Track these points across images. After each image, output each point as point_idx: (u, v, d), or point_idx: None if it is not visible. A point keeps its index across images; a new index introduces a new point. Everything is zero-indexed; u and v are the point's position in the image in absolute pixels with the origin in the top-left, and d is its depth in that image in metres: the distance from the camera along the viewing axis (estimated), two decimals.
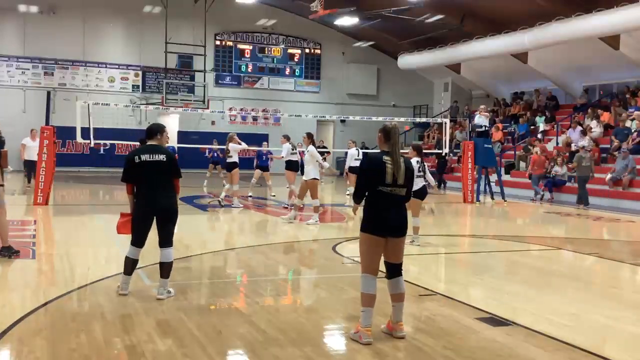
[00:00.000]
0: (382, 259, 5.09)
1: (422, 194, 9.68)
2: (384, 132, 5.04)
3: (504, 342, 5.00)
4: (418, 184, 9.60)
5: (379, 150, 5.12)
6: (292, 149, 15.09)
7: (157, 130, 6.26)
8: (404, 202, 5.08)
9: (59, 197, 16.28)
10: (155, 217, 6.09)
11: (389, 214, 4.93)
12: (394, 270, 5.08)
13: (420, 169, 9.65)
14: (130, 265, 6.10)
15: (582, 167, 17.19)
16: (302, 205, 12.36)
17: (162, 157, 6.06)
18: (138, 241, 6.10)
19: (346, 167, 16.78)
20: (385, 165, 4.91)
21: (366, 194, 5.04)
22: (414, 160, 9.54)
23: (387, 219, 4.92)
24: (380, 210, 4.93)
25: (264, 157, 17.87)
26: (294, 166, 15.18)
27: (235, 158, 14.64)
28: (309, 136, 12.46)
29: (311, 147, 12.15)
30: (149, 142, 6.23)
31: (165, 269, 6.09)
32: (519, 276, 7.96)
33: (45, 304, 5.79)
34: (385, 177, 4.90)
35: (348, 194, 17.38)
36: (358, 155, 15.86)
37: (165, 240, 6.10)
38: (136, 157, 6.04)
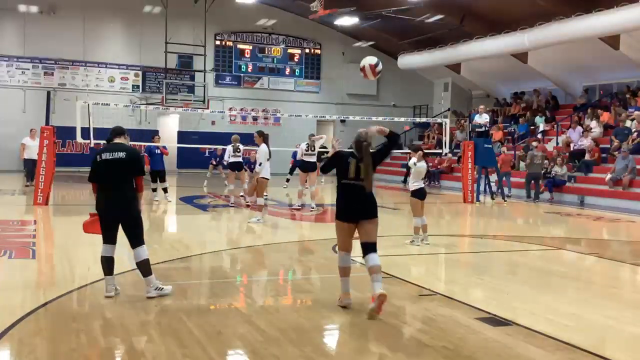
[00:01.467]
0: (359, 240, 5.87)
1: (422, 194, 9.74)
2: (355, 144, 5.94)
3: (504, 342, 5.00)
4: (420, 184, 9.71)
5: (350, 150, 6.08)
6: (307, 149, 14.85)
7: (122, 131, 6.28)
8: (366, 190, 5.84)
9: (59, 197, 16.27)
10: (116, 218, 6.02)
11: (353, 202, 5.86)
12: (367, 249, 5.80)
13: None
14: (105, 263, 6.01)
15: (533, 164, 18.43)
16: (258, 202, 12.27)
17: (122, 154, 5.99)
18: (107, 238, 6.04)
19: None
20: (349, 165, 5.89)
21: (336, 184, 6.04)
22: (423, 163, 9.74)
23: (352, 206, 5.86)
24: (345, 199, 5.92)
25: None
26: (309, 167, 14.80)
27: (239, 158, 15.28)
28: (260, 134, 12.31)
29: (263, 146, 11.98)
30: (114, 141, 6.18)
31: (141, 267, 6.02)
32: (519, 276, 7.96)
33: (45, 304, 5.79)
34: (348, 173, 5.88)
35: None
36: None
37: (134, 241, 6.03)
38: (98, 157, 6.04)
